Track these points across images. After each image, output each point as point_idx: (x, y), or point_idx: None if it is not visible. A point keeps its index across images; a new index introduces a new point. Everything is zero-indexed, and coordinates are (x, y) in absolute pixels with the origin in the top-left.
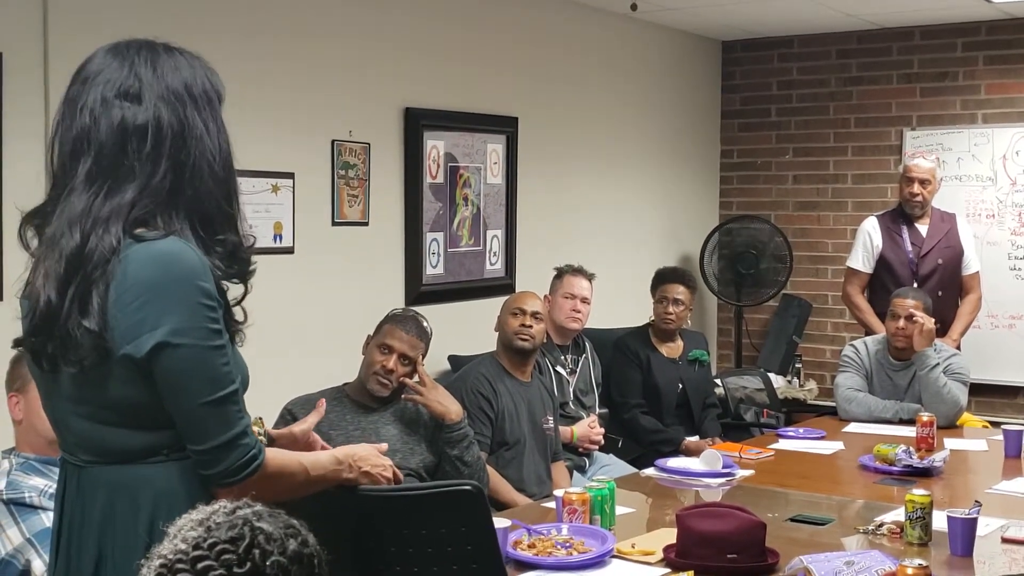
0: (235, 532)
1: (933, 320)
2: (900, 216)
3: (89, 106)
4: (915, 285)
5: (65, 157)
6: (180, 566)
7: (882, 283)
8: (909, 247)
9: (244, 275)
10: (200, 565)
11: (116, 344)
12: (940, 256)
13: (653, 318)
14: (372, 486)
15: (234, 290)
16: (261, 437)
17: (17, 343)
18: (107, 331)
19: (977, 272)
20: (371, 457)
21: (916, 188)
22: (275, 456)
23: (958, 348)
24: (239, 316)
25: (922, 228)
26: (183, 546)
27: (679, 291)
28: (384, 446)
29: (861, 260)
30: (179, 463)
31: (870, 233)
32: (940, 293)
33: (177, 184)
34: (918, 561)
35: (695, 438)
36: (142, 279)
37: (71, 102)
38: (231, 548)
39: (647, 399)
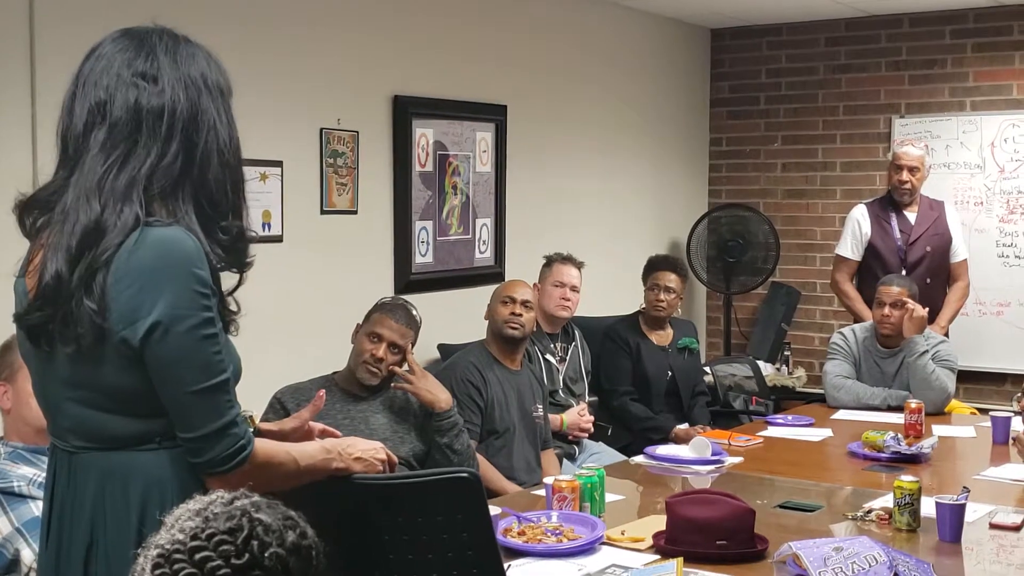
0: (233, 523)
1: (923, 307)
2: (889, 204)
3: (104, 82)
4: (903, 272)
5: (77, 130)
6: (177, 556)
7: (871, 271)
8: (898, 235)
9: (242, 265)
10: (198, 556)
11: (113, 327)
12: (928, 244)
13: (644, 306)
14: (367, 474)
15: (227, 280)
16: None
17: (17, 318)
18: (106, 311)
19: (965, 259)
20: (359, 442)
21: (905, 176)
22: (263, 446)
23: (946, 335)
24: (233, 306)
25: (911, 216)
26: (181, 536)
27: (671, 279)
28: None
29: (850, 248)
30: (171, 451)
31: (859, 221)
32: (928, 280)
33: (187, 167)
34: None
35: (684, 426)
36: (139, 264)
37: (84, 77)
38: (229, 539)
39: (636, 387)
